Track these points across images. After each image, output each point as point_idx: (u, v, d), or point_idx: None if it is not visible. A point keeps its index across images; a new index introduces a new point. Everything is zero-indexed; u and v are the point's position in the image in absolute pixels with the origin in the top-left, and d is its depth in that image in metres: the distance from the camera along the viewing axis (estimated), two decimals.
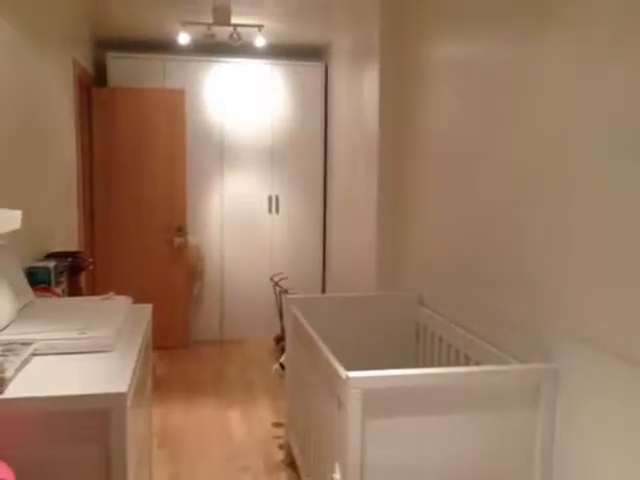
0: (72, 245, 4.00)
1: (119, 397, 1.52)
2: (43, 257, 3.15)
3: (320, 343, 2.24)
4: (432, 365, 2.87)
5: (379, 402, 1.84)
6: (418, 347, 3.09)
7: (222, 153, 5.26)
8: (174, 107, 4.93)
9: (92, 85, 4.89)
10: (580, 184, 1.80)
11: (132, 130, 4.91)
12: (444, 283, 2.83)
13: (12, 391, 1.51)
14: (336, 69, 4.93)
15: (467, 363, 2.48)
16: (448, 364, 2.68)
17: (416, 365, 3.09)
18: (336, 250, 5.03)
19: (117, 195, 4.94)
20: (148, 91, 4.93)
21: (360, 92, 4.03)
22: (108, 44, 5.17)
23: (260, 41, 4.74)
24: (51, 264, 2.86)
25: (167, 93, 4.95)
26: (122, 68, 5.02)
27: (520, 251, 2.15)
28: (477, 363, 2.36)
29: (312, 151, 5.42)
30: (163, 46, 5.25)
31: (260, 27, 4.59)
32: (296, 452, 2.86)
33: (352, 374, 1.81)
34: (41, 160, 3.23)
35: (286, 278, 5.14)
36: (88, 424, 1.52)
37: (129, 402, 1.56)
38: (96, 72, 5.09)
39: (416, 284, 3.20)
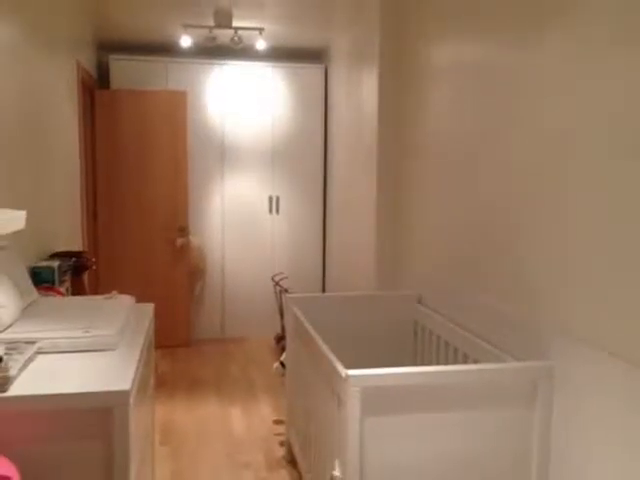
0: (76, 245, 4.03)
1: (122, 395, 1.54)
2: (47, 257, 3.17)
3: (320, 342, 2.26)
4: (430, 363, 2.89)
5: (378, 400, 1.86)
6: (417, 345, 3.11)
7: (223, 154, 5.29)
8: (176, 109, 4.96)
9: (95, 87, 4.92)
10: (580, 184, 1.81)
11: (134, 131, 4.94)
12: (443, 282, 2.85)
13: (16, 389, 1.53)
14: (336, 71, 4.95)
15: (465, 361, 2.49)
16: (446, 362, 2.70)
17: (414, 363, 3.11)
18: (336, 250, 5.05)
19: (120, 196, 4.97)
20: (150, 93, 4.95)
21: (360, 93, 4.05)
22: (111, 46, 5.19)
23: (261, 44, 4.77)
24: (55, 264, 2.88)
25: (169, 95, 4.97)
26: (124, 70, 5.04)
27: (519, 251, 2.16)
28: (475, 361, 2.38)
29: (312, 152, 5.44)
30: (165, 49, 5.28)
31: (261, 30, 4.61)
32: (297, 449, 2.88)
33: (352, 372, 1.83)
34: (45, 161, 3.26)
35: (286, 278, 5.17)
36: (91, 421, 1.54)
37: (132, 400, 1.58)
38: (99, 74, 5.12)
39: (415, 283, 3.22)
